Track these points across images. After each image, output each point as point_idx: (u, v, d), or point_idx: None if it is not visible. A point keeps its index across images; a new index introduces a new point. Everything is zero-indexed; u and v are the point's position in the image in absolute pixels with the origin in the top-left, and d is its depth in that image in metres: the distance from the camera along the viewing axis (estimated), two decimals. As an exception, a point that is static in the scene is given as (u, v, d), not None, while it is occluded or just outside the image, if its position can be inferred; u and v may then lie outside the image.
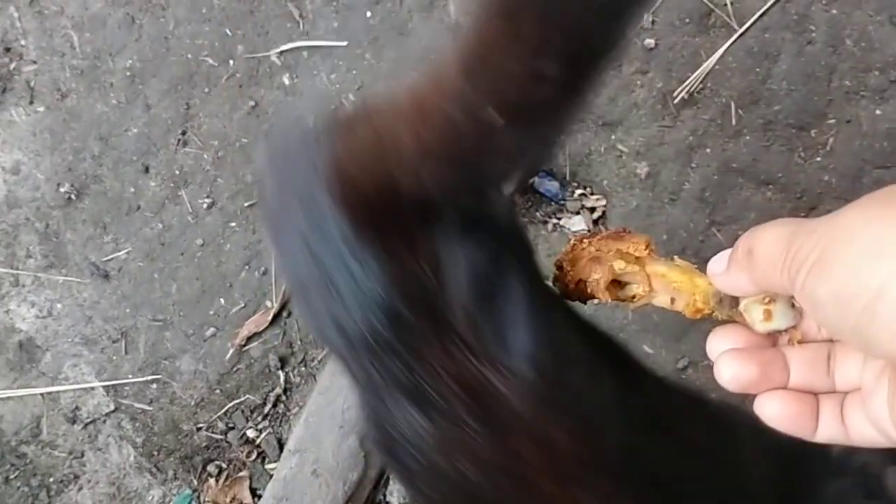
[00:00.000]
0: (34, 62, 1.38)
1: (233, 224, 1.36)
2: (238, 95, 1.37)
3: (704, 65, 1.36)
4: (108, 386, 1.34)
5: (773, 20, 1.38)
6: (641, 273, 0.52)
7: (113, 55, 1.37)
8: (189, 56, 1.37)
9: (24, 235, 1.36)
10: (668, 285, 0.51)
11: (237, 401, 1.35)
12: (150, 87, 1.37)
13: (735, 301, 0.48)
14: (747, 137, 1.38)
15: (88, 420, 1.33)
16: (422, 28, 1.38)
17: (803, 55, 1.36)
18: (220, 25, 1.37)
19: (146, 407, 1.34)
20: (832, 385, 0.46)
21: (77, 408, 1.33)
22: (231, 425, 1.35)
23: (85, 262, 1.36)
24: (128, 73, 1.37)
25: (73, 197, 1.36)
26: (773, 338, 0.48)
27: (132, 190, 1.36)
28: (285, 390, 1.36)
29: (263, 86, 1.37)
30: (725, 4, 1.39)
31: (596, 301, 0.55)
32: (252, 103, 1.37)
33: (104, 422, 1.33)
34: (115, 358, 1.35)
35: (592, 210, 1.38)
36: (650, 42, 1.35)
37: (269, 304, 1.36)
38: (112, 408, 1.33)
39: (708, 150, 1.38)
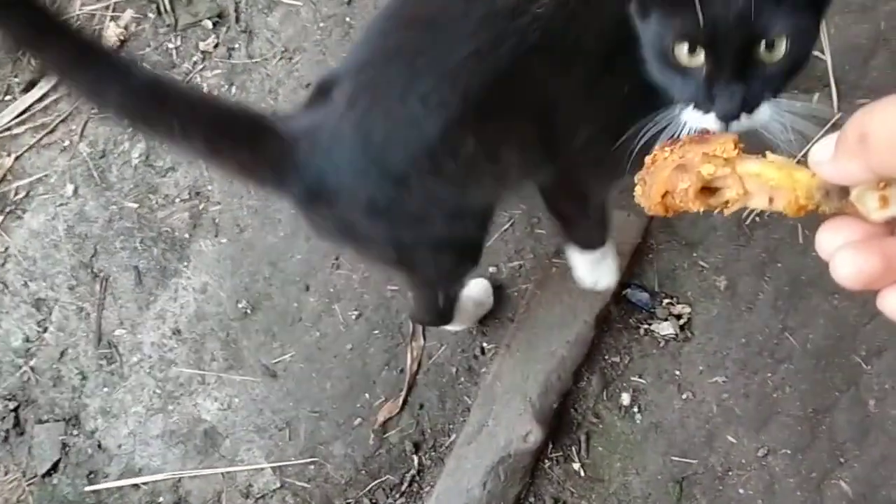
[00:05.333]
0: (218, 203, 1.72)
1: (376, 332, 1.63)
2: (380, 227, 1.67)
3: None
4: (275, 467, 1.60)
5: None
6: (733, 175, 0.47)
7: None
8: (341, 196, 1.69)
9: (210, 343, 1.67)
10: (764, 185, 0.46)
11: (379, 480, 1.58)
12: (311, 222, 1.69)
13: (844, 191, 0.43)
14: (814, 253, 1.58)
15: (259, 495, 1.60)
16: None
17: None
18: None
19: (305, 485, 1.60)
20: None
21: (250, 485, 1.60)
22: (374, 501, 1.59)
23: (258, 364, 1.65)
24: (292, 211, 1.69)
25: (248, 311, 1.67)
26: (891, 226, 0.43)
27: (295, 305, 1.66)
28: (419, 472, 1.58)
29: (401, 218, 1.67)
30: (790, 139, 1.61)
31: (687, 211, 0.51)
32: (391, 233, 1.67)
33: (272, 497, 1.59)
34: (280, 443, 1.61)
35: (679, 317, 1.59)
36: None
37: (402, 394, 1.62)
38: (278, 485, 1.60)
39: (779, 265, 1.58)
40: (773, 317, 1.56)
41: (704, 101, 0.85)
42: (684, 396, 1.57)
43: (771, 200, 0.46)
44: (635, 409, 1.57)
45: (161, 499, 1.61)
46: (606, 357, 1.59)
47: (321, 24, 1.77)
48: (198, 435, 1.64)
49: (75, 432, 1.66)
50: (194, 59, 1.77)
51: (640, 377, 1.58)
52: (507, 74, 0.95)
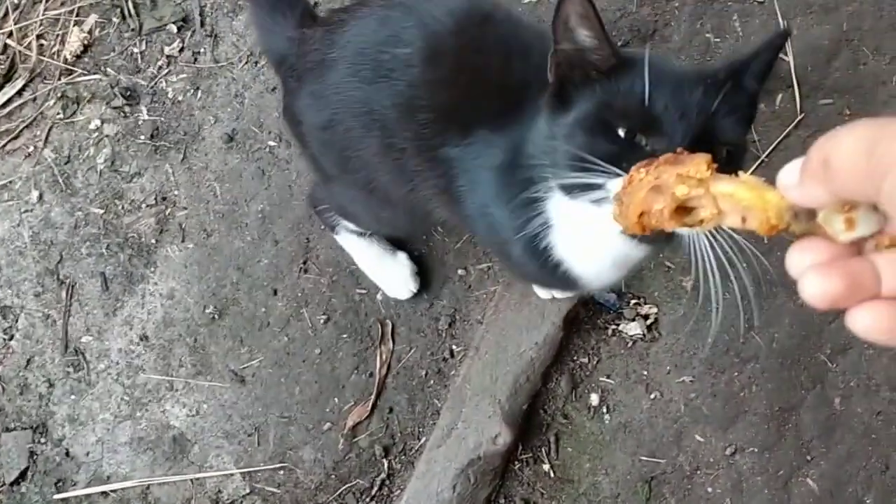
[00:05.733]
0: (185, 208, 1.71)
1: (344, 336, 1.63)
2: (348, 230, 1.66)
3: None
4: (244, 472, 1.59)
5: (791, 142, 1.62)
6: (707, 195, 0.48)
7: (247, 201, 1.69)
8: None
9: (177, 348, 1.66)
10: (736, 205, 0.47)
11: (349, 485, 1.58)
12: (278, 226, 1.68)
13: (811, 213, 0.45)
14: (778, 253, 1.59)
15: (229, 501, 1.59)
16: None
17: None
18: (333, 175, 1.69)
19: (275, 490, 1.59)
20: None
21: (220, 491, 1.59)
22: (344, 505, 1.60)
23: (226, 370, 1.64)
24: (259, 215, 1.68)
25: (216, 316, 1.66)
26: (857, 246, 0.44)
27: (263, 310, 1.65)
28: (389, 475, 1.59)
29: (368, 222, 1.67)
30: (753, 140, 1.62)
31: (663, 231, 0.52)
32: (359, 236, 1.66)
33: (242, 502, 1.59)
34: (249, 449, 1.61)
35: (646, 317, 1.60)
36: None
37: (371, 398, 1.62)
38: (248, 491, 1.59)
39: (745, 265, 1.60)
40: (738, 316, 1.56)
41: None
42: (652, 396, 1.57)
43: (744, 220, 0.48)
44: (604, 410, 1.58)
45: (130, 506, 1.60)
46: (575, 358, 1.60)
47: (287, 28, 1.76)
48: (166, 441, 1.63)
49: (43, 440, 1.64)
50: (159, 63, 1.76)
51: (608, 377, 1.59)
52: (366, 97, 1.11)
